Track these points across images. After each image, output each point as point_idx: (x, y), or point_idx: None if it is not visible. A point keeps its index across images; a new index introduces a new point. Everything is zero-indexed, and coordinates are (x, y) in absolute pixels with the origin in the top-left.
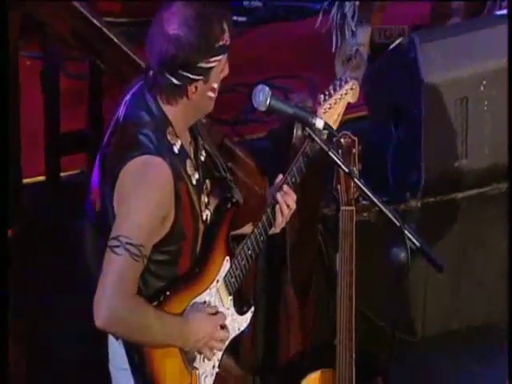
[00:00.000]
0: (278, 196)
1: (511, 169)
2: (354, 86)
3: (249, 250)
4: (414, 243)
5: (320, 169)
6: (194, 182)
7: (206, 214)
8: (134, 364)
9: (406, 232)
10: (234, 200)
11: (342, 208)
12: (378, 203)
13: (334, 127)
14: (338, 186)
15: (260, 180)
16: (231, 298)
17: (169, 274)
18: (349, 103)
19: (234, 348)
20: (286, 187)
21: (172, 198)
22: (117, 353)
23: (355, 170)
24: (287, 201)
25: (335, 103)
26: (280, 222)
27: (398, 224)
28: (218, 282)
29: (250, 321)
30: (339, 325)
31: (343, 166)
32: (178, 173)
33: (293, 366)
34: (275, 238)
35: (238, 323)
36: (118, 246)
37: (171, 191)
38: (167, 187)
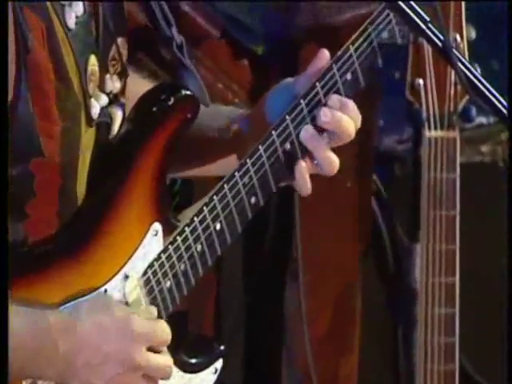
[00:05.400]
0: (325, 112)
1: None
2: None
3: (225, 211)
4: None
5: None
6: (72, 25)
7: (105, 111)
8: None
9: None
10: (184, 92)
11: (429, 134)
12: None
13: None
14: (420, 82)
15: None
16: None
17: None
18: None
19: None
20: (337, 97)
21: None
22: None
23: (461, 42)
24: (341, 120)
25: None
26: (330, 164)
27: None
28: (127, 278)
29: None
30: None
31: (430, 32)
32: None
33: None
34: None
35: None
36: None
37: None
38: None
